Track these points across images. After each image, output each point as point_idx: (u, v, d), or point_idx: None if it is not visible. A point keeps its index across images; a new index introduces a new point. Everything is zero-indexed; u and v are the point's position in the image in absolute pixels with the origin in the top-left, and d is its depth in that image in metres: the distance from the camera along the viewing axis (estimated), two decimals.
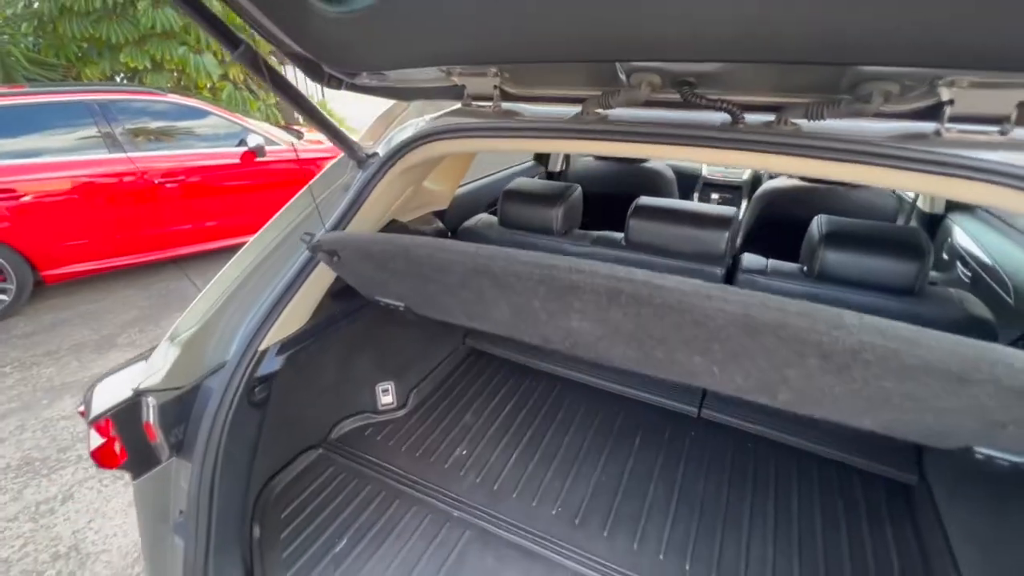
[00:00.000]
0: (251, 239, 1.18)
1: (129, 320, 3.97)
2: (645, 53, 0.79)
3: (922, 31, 0.58)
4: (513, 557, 1.25)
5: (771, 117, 0.86)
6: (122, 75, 6.92)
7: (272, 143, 4.88)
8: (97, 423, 0.92)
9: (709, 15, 0.64)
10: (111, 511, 2.30)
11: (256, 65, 0.96)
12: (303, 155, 5.16)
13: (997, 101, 0.70)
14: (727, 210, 1.31)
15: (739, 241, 2.19)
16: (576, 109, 1.01)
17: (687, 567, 1.24)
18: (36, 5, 6.54)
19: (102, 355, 3.52)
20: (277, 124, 6.49)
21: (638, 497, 1.43)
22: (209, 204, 4.64)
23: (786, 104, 0.84)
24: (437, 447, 1.60)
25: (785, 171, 0.89)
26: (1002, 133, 0.73)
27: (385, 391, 1.68)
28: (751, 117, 0.87)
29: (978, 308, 1.12)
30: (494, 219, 1.66)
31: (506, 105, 1.08)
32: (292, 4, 0.83)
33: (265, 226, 1.20)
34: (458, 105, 1.14)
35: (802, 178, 2.20)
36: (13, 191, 3.77)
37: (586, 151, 1.31)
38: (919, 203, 2.15)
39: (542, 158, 2.89)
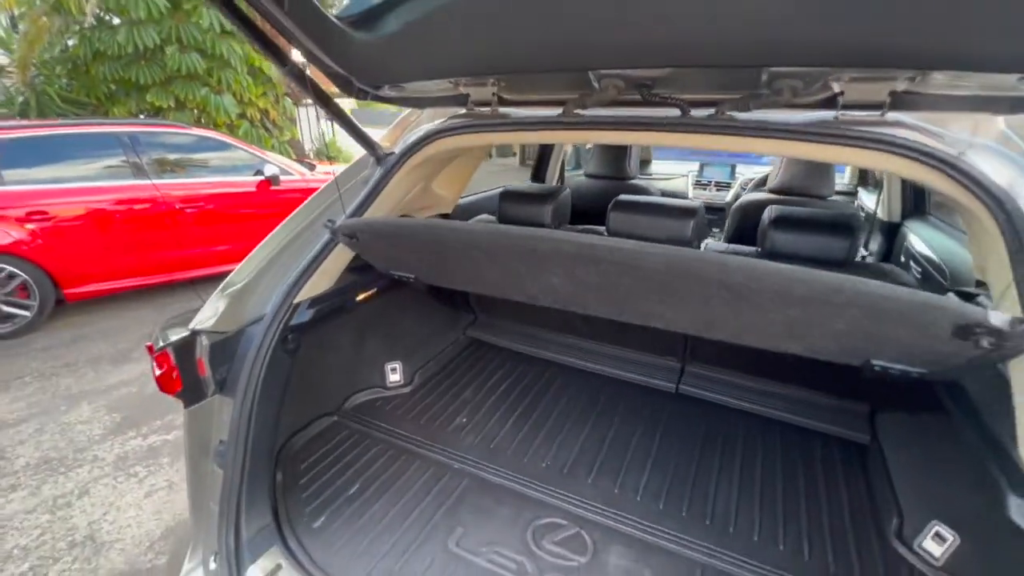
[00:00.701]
0: (287, 218, 1.39)
1: (144, 336, 4.13)
2: (610, 62, 1.02)
3: (807, 39, 0.80)
4: (507, 499, 1.39)
5: (711, 110, 1.08)
6: (144, 113, 7.37)
7: (287, 173, 5.19)
8: (159, 355, 1.10)
9: (657, 31, 0.87)
10: (125, 504, 2.40)
11: (302, 79, 1.19)
12: (315, 185, 5.44)
13: (874, 91, 0.92)
14: (693, 203, 1.52)
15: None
16: (559, 110, 1.23)
17: (660, 507, 1.38)
18: (71, 50, 7.07)
19: (118, 367, 3.67)
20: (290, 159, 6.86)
21: (619, 455, 1.58)
22: (225, 229, 4.90)
23: (722, 100, 1.06)
24: (439, 416, 1.76)
25: (723, 148, 1.10)
26: (881, 115, 0.95)
27: (393, 370, 1.85)
28: (696, 111, 1.09)
29: (903, 277, 1.31)
30: (493, 218, 1.87)
31: (503, 109, 1.30)
32: (333, 32, 1.06)
33: (299, 208, 1.41)
34: (463, 110, 1.37)
35: (772, 191, 2.43)
36: (45, 213, 4.03)
37: (568, 140, 1.53)
38: (879, 214, 2.38)
39: (538, 177, 3.15)
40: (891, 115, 0.94)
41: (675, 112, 1.10)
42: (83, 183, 4.25)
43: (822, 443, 1.63)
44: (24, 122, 5.13)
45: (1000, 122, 0.92)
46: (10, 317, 4.04)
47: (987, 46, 0.70)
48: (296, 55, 1.26)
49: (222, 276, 1.32)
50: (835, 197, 2.49)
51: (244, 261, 1.30)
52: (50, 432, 2.93)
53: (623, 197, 1.58)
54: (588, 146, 3.32)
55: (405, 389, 1.89)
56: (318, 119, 13.14)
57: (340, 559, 1.17)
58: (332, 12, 1.06)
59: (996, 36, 0.67)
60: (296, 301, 1.24)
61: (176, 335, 1.11)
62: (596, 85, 1.11)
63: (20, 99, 6.80)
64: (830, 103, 0.97)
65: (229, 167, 5.03)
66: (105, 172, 4.39)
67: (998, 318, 0.76)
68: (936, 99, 0.90)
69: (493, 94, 1.25)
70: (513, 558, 1.21)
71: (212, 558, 1.10)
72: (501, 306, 2.26)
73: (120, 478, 2.57)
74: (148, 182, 4.51)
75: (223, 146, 5.07)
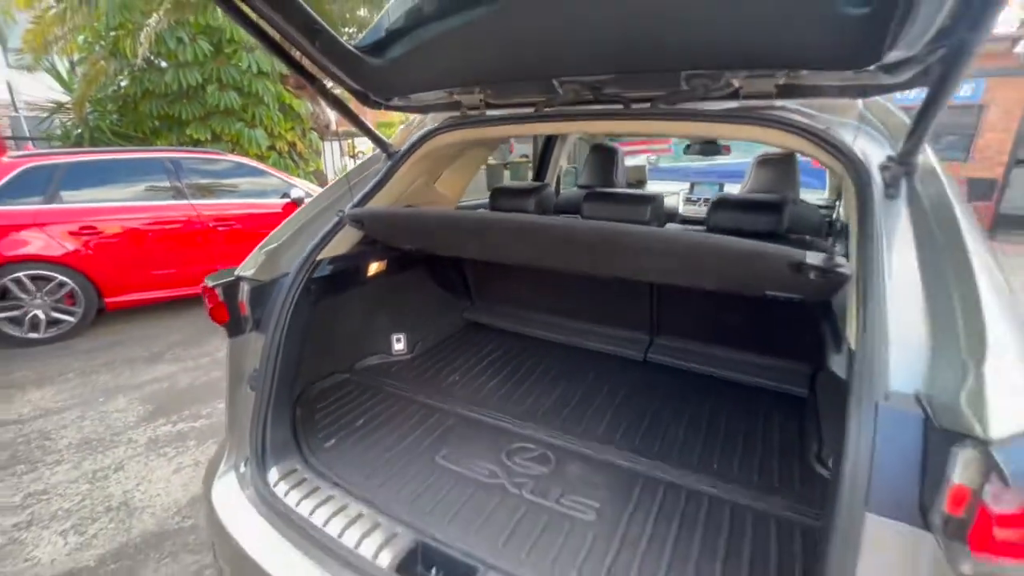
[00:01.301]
0: (315, 197, 1.71)
1: (175, 342, 4.47)
2: (567, 72, 1.32)
3: (707, 52, 1.09)
4: (487, 432, 1.63)
5: (647, 104, 1.36)
6: (184, 144, 8.00)
7: (310, 196, 5.62)
8: (210, 292, 1.39)
9: (597, 50, 1.16)
10: (156, 478, 2.65)
11: (326, 94, 1.52)
12: None
13: (764, 85, 1.18)
14: (652, 192, 1.79)
15: None
16: (532, 110, 1.53)
17: (617, 437, 1.60)
18: (123, 89, 7.80)
19: (151, 367, 3.99)
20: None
21: (587, 405, 1.84)
22: (253, 246, 5.29)
23: (655, 96, 1.34)
24: (435, 375, 2.01)
25: (658, 132, 1.39)
26: (771, 102, 1.22)
27: (398, 340, 2.12)
28: (636, 105, 1.38)
29: (818, 245, 1.55)
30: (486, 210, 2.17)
31: (489, 112, 1.61)
32: (352, 59, 1.37)
33: (324, 190, 1.72)
34: (457, 114, 1.68)
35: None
36: (95, 228, 4.47)
37: (540, 131, 1.82)
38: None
39: (539, 178, 3.47)
40: (779, 102, 1.21)
41: (620, 106, 1.39)
42: (129, 203, 4.72)
43: (768, 398, 1.84)
44: (81, 149, 5.70)
45: (859, 104, 1.18)
46: (57, 322, 4.43)
47: (815, 54, 0.98)
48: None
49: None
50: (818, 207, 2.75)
51: (280, 227, 1.61)
52: (90, 419, 3.23)
53: (596, 190, 1.86)
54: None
55: (407, 356, 2.16)
56: (341, 154, 13.94)
57: (344, 467, 1.40)
58: (351, 43, 1.39)
59: (820, 47, 0.95)
60: (319, 258, 1.53)
61: (224, 278, 1.40)
62: (560, 90, 1.41)
63: (75, 133, 7.49)
64: (735, 95, 1.24)
65: (259, 191, 5.48)
66: (149, 193, 4.86)
67: (814, 257, 1.03)
68: (809, 89, 1.16)
69: (480, 100, 1.55)
70: (488, 468, 1.44)
71: (242, 463, 1.34)
72: (495, 294, 2.55)
73: (151, 457, 2.83)
74: (187, 203, 4.96)
75: (257, 172, 5.55)
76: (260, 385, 1.36)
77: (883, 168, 1.06)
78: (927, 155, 1.08)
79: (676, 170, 5.89)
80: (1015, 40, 8.87)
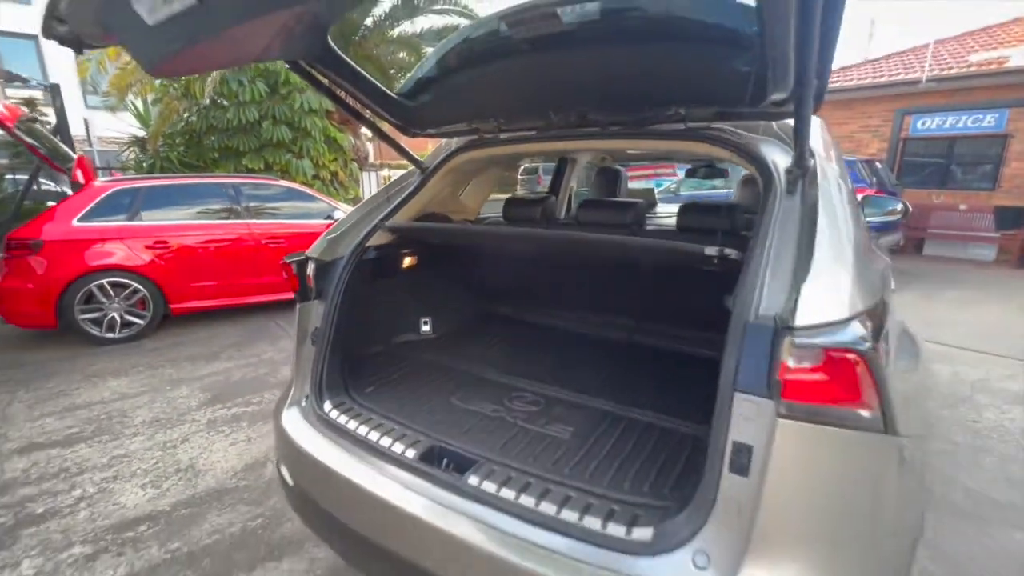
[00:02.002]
0: (364, 200, 2.17)
1: (229, 344, 5.01)
2: (559, 107, 1.75)
3: (656, 94, 1.50)
4: (493, 385, 2.00)
5: (619, 127, 1.76)
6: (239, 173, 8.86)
7: None
8: (287, 267, 1.83)
9: (581, 93, 1.59)
10: (216, 449, 3.09)
11: (371, 125, 1.99)
12: None
13: (703, 113, 1.55)
14: (634, 200, 2.17)
15: None
16: (534, 132, 1.96)
17: (596, 390, 1.94)
18: (190, 125, 8.76)
19: (209, 363, 4.50)
20: None
21: (576, 370, 2.18)
22: None
23: (624, 121, 1.74)
24: (455, 348, 2.40)
25: (626, 148, 1.79)
26: (709, 124, 1.60)
27: (425, 323, 2.53)
28: (612, 128, 1.78)
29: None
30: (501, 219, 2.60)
31: (501, 135, 2.04)
32: (393, 103, 1.85)
33: (370, 196, 2.18)
34: (476, 137, 2.12)
35: None
36: (166, 243, 5.12)
37: (542, 149, 2.21)
38: None
39: (553, 192, 3.91)
40: (716, 124, 1.59)
41: (598, 128, 1.80)
42: (196, 221, 5.39)
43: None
44: (158, 175, 6.50)
45: (774, 126, 1.56)
46: (129, 324, 5.05)
47: (725, 95, 1.39)
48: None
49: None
50: None
51: (341, 221, 2.06)
52: (159, 402, 3.72)
53: (588, 199, 2.26)
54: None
55: (432, 336, 2.57)
56: (378, 183, 14.91)
57: (380, 403, 1.77)
58: (394, 92, 1.87)
59: (728, 91, 1.37)
60: (367, 245, 1.96)
61: (297, 257, 1.85)
62: (554, 118, 1.84)
63: (146, 164, 8.44)
64: (683, 120, 1.64)
65: (304, 213, 6.11)
66: (213, 214, 5.52)
67: (711, 249, 1.41)
68: (735, 114, 1.54)
69: (494, 126, 1.99)
70: (492, 406, 1.81)
71: (303, 398, 1.74)
72: (507, 290, 2.99)
73: (211, 433, 3.28)
74: (243, 222, 5.60)
75: (306, 196, 6.20)
76: (320, 339, 1.77)
77: (787, 172, 1.42)
78: (816, 163, 1.43)
79: (696, 197, 7.06)
80: None
